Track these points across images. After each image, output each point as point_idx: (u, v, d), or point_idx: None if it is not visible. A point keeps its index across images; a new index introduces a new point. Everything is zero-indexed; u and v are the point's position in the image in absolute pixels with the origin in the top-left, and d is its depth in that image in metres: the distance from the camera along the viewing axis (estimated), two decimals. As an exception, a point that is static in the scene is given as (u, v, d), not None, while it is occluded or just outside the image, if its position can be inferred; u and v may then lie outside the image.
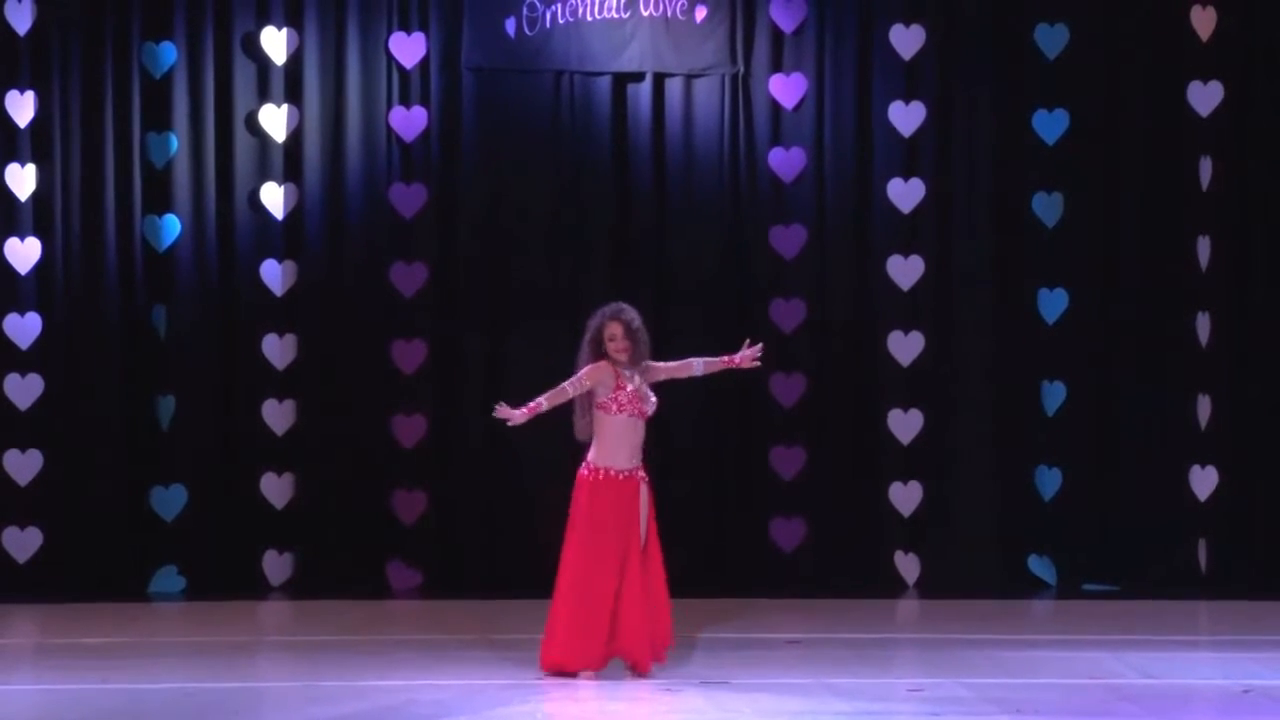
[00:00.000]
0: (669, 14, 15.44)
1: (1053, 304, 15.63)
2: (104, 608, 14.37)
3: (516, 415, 11.12)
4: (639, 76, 15.52)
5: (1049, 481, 15.61)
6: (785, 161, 15.63)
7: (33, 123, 15.16)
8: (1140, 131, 15.68)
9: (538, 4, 15.37)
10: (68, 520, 15.09)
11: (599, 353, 11.19)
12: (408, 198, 15.44)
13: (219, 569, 15.26)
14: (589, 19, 15.41)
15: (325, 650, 12.57)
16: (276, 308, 15.34)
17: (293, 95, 15.36)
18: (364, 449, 15.36)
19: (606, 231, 15.56)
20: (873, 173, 15.67)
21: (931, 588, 15.39)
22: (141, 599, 14.93)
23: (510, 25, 15.38)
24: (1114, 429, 15.62)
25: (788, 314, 15.59)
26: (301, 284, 15.37)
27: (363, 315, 15.41)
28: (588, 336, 11.26)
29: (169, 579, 15.20)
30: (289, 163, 15.37)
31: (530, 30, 15.39)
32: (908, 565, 15.58)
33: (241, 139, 15.39)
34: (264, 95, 15.38)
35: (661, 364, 11.40)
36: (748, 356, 11.44)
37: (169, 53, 15.28)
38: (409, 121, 15.44)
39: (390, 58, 15.44)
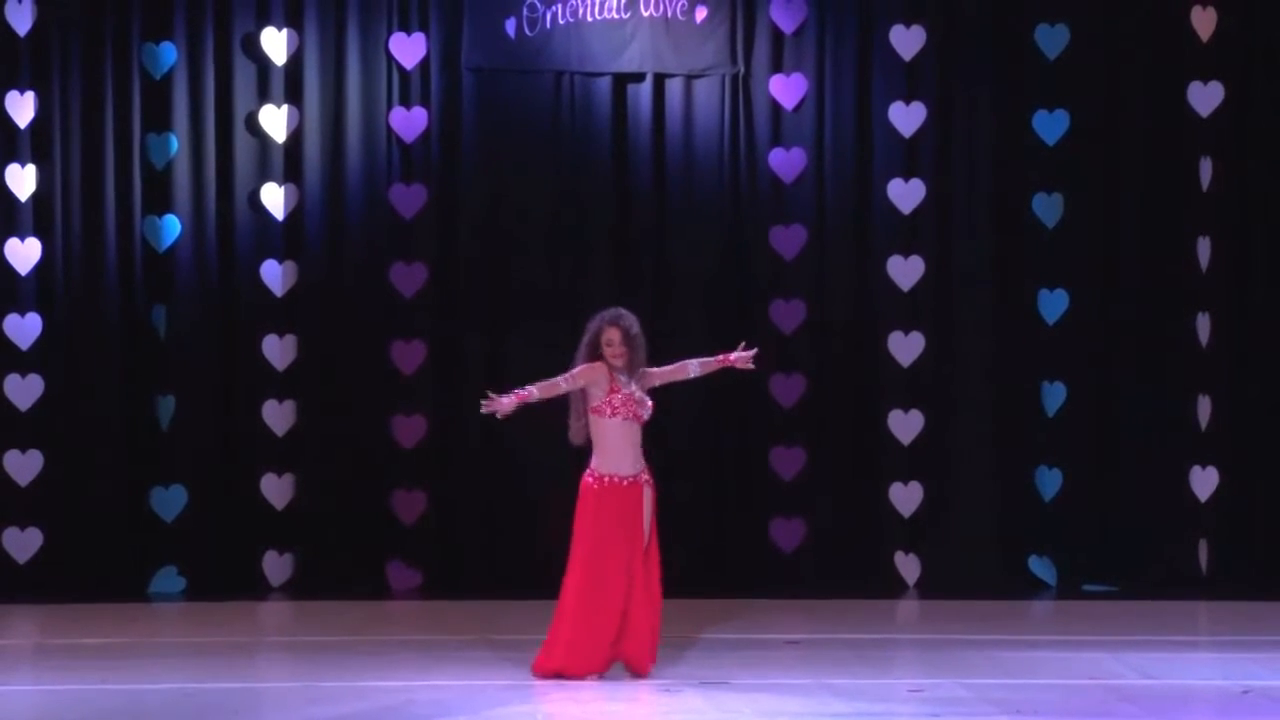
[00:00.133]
0: (669, 14, 15.44)
1: (1053, 304, 15.63)
2: (104, 608, 14.37)
3: (504, 403, 11.08)
4: (639, 77, 15.52)
5: (1049, 482, 15.61)
6: (785, 162, 15.63)
7: (33, 123, 15.16)
8: (1140, 132, 15.68)
9: (538, 4, 15.37)
10: (68, 521, 15.09)
11: (595, 357, 11.19)
12: (408, 198, 15.44)
13: (219, 569, 15.26)
14: (589, 19, 15.41)
15: (325, 651, 12.57)
16: (276, 308, 15.34)
17: (293, 96, 15.36)
18: (364, 449, 15.36)
19: (606, 232, 15.56)
20: (873, 173, 15.67)
21: (931, 588, 15.39)
22: (141, 599, 14.93)
23: (510, 26, 15.38)
24: (1114, 429, 15.62)
25: (788, 314, 15.59)
26: (301, 284, 15.37)
27: (363, 316, 15.41)
28: (585, 339, 11.24)
29: (169, 579, 15.20)
30: (289, 163, 15.37)
31: (530, 31, 15.39)
32: (908, 566, 15.58)
33: (241, 139, 15.39)
34: (264, 96, 15.38)
35: (657, 369, 11.38)
36: (743, 358, 11.44)
37: (169, 53, 15.28)
38: (409, 122, 15.44)
39: (390, 58, 15.44)
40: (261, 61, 15.37)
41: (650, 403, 11.24)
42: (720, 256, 15.62)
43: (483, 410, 11.17)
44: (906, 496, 15.57)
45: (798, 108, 15.65)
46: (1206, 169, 15.61)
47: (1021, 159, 15.65)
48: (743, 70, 15.57)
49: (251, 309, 15.35)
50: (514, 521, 15.33)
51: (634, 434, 11.16)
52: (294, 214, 15.37)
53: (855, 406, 15.65)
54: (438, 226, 15.47)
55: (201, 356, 15.31)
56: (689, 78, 15.57)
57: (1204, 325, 15.61)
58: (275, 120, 15.35)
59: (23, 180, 15.18)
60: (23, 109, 15.15)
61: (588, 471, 11.21)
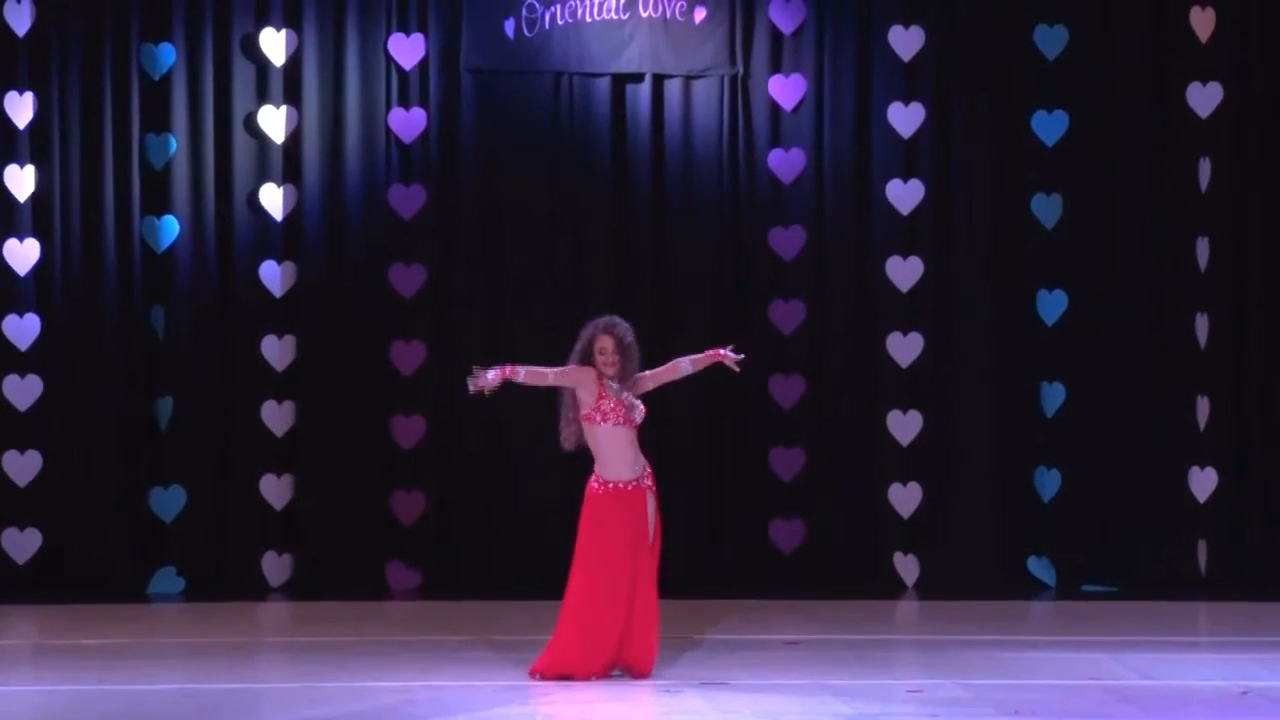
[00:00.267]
0: (668, 15, 15.45)
1: (1052, 305, 15.63)
2: (103, 609, 14.36)
3: (489, 377, 11.02)
4: (638, 78, 15.52)
5: (1048, 483, 15.61)
6: (784, 163, 15.63)
7: (32, 124, 15.16)
8: (1139, 133, 15.69)
9: (537, 5, 15.37)
10: (67, 521, 15.09)
11: (587, 364, 11.16)
12: (407, 199, 15.44)
13: (218, 570, 15.26)
14: (588, 20, 15.41)
15: (324, 651, 12.56)
16: (276, 309, 15.33)
17: (292, 96, 15.36)
18: (363, 450, 15.36)
19: (606, 233, 15.56)
20: (872, 174, 15.67)
21: (931, 589, 15.39)
22: (141, 600, 14.93)
23: (509, 26, 15.38)
24: (1113, 430, 15.61)
25: (787, 315, 15.59)
26: (301, 285, 15.37)
27: (362, 316, 15.41)
28: (578, 346, 11.19)
29: (168, 580, 15.20)
30: (288, 164, 15.37)
31: (529, 31, 15.39)
32: (907, 566, 15.58)
33: (240, 140, 15.39)
34: (263, 96, 15.38)
35: (649, 372, 11.34)
36: (731, 357, 11.40)
37: (168, 54, 15.28)
38: (408, 123, 15.44)
39: (389, 59, 15.44)
40: (260, 62, 15.37)
41: (642, 406, 11.19)
42: (719, 257, 15.62)
43: (470, 389, 11.10)
44: (906, 497, 15.57)
45: (797, 108, 15.65)
46: (1205, 170, 15.61)
47: (1020, 160, 15.66)
48: (742, 71, 15.57)
49: (250, 310, 15.35)
50: (513, 522, 15.33)
51: (628, 438, 11.13)
52: (293, 215, 15.37)
53: (854, 407, 15.66)
54: (437, 227, 15.47)
55: (201, 357, 15.31)
56: (688, 78, 15.57)
57: (1203, 326, 15.62)
58: (274, 121, 15.34)
59: (22, 181, 15.18)
60: (22, 110, 15.15)
61: (592, 477, 11.20)
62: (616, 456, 11.11)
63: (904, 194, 15.61)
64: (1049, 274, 15.66)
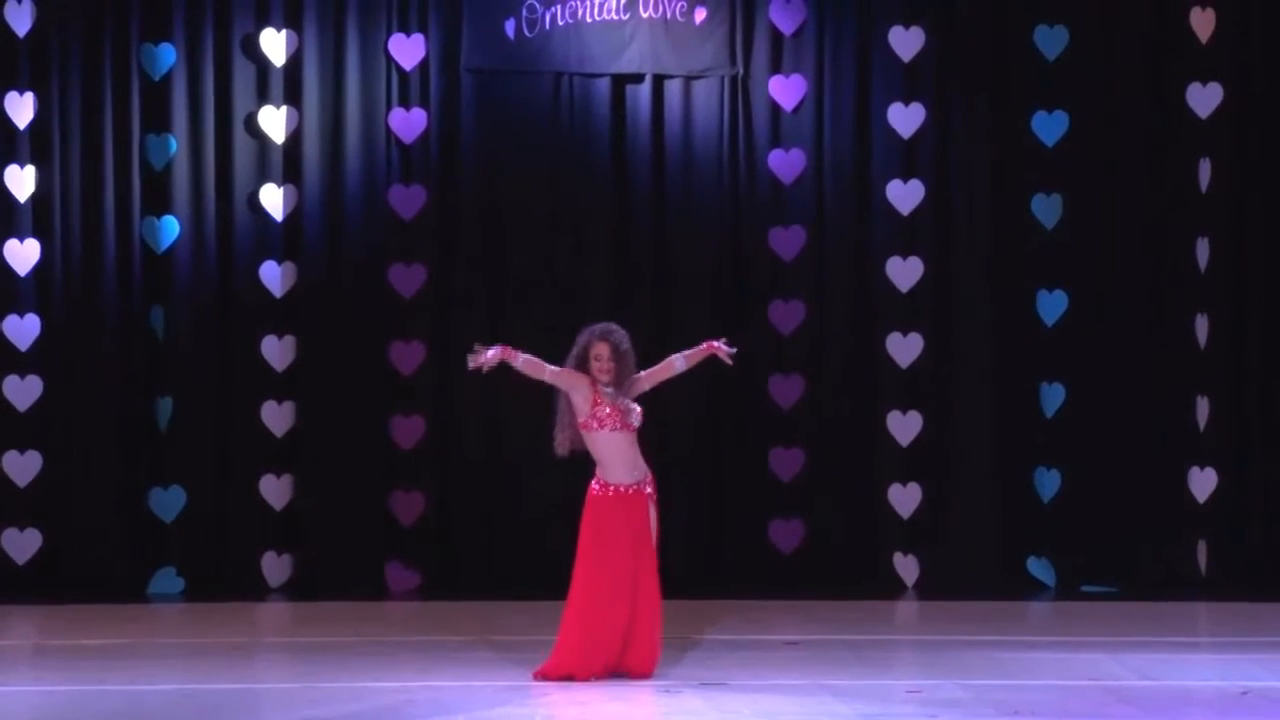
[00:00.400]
0: (668, 15, 15.45)
1: (1052, 305, 15.63)
2: (103, 609, 14.37)
3: (489, 355, 11.01)
4: (638, 78, 15.52)
5: (1048, 483, 15.62)
6: (784, 163, 15.63)
7: (32, 124, 15.16)
8: (1139, 133, 15.69)
9: (537, 5, 15.37)
10: (67, 521, 15.09)
11: (582, 370, 11.14)
12: (407, 199, 15.44)
13: (218, 570, 15.27)
14: (588, 20, 15.41)
15: (324, 651, 12.56)
16: (275, 309, 15.34)
17: (292, 97, 15.36)
18: (362, 450, 15.36)
19: (606, 233, 15.56)
20: (872, 174, 15.67)
21: (930, 589, 15.39)
22: (140, 600, 14.93)
23: (510, 27, 15.38)
24: (1113, 430, 15.61)
25: (787, 315, 15.59)
26: (300, 285, 15.37)
27: (362, 317, 15.41)
28: (574, 352, 11.15)
29: (168, 580, 15.20)
30: (288, 164, 15.37)
31: (530, 32, 15.39)
32: (907, 567, 15.58)
33: (241, 140, 15.39)
34: (263, 97, 15.38)
35: (645, 373, 11.30)
36: (724, 349, 11.39)
37: (168, 54, 15.28)
38: (408, 123, 15.44)
39: (390, 59, 15.44)
40: (261, 62, 15.37)
41: (639, 410, 11.15)
42: (719, 258, 15.62)
43: (470, 365, 11.08)
44: (905, 497, 15.57)
45: (797, 109, 15.65)
46: (1205, 170, 15.61)
47: (1020, 160, 15.66)
48: (742, 71, 15.57)
49: (250, 310, 15.35)
50: (512, 523, 15.33)
51: (627, 443, 11.10)
52: (293, 215, 15.37)
53: (854, 408, 15.66)
54: (437, 227, 15.47)
55: (200, 357, 15.31)
56: (688, 79, 15.57)
57: (1202, 326, 15.62)
58: (274, 121, 15.35)
59: (22, 181, 15.18)
60: (22, 110, 15.15)
61: (593, 479, 11.19)
62: (617, 461, 11.10)
63: (904, 194, 15.61)
64: (1049, 274, 15.66)
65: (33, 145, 15.17)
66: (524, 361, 11.09)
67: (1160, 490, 15.59)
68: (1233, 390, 15.64)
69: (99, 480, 15.11)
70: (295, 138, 15.38)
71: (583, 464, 11.33)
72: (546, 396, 11.35)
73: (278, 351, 15.31)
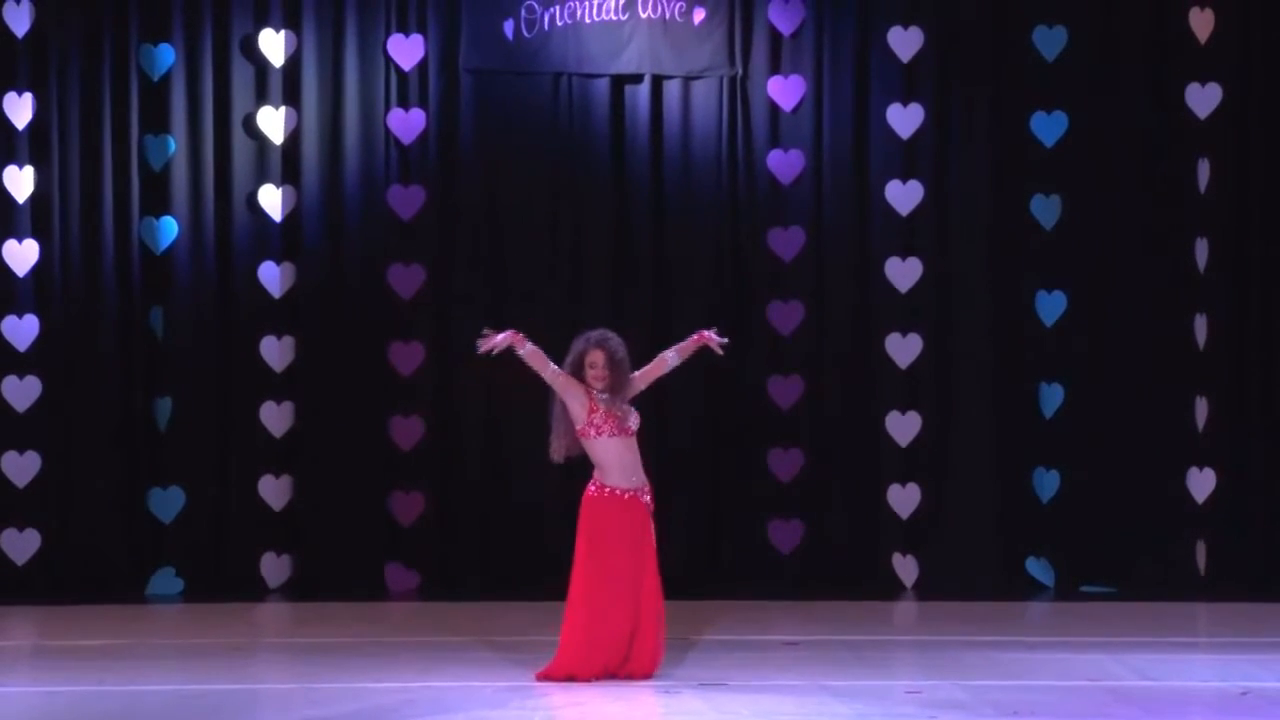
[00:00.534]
0: (667, 16, 15.45)
1: (1051, 306, 15.63)
2: (102, 610, 14.37)
3: (498, 339, 11.07)
4: (637, 78, 15.52)
5: (1047, 483, 15.62)
6: (783, 163, 15.63)
7: (31, 125, 15.15)
8: (1138, 133, 15.69)
9: (536, 6, 15.37)
10: (66, 522, 15.09)
11: (577, 377, 11.13)
12: (406, 199, 15.44)
13: (217, 571, 15.27)
14: (587, 21, 15.41)
15: (323, 652, 12.56)
16: (275, 309, 15.34)
17: (291, 97, 15.36)
18: (362, 451, 15.35)
19: (605, 233, 15.56)
20: (871, 175, 15.67)
21: (929, 590, 15.39)
22: (139, 601, 14.93)
23: (509, 27, 15.38)
24: (1112, 431, 15.61)
25: (786, 316, 15.59)
26: (300, 286, 15.37)
27: (361, 317, 15.41)
28: (569, 359, 11.15)
29: (167, 581, 15.20)
30: (287, 165, 15.37)
31: (528, 32, 15.39)
32: (906, 567, 15.58)
33: (239, 141, 15.39)
34: (262, 97, 15.38)
35: (639, 373, 11.27)
36: (715, 339, 11.38)
37: (167, 55, 15.28)
38: (407, 123, 15.44)
39: (388, 59, 15.44)
40: (259, 63, 15.37)
41: (635, 413, 11.13)
42: (718, 258, 15.62)
43: (479, 349, 11.11)
44: (904, 498, 15.57)
45: (796, 109, 15.65)
46: (1204, 170, 15.61)
47: (1019, 161, 15.66)
48: (741, 72, 15.57)
49: (249, 310, 15.35)
50: (512, 523, 15.33)
51: (625, 448, 11.08)
52: (292, 215, 15.37)
53: (853, 408, 15.65)
54: (436, 228, 15.47)
55: (199, 358, 15.31)
56: (687, 79, 15.57)
57: (1201, 326, 15.62)
58: (273, 122, 15.34)
59: (21, 182, 15.18)
60: (21, 110, 15.15)
61: (590, 482, 11.18)
62: (615, 465, 11.09)
63: (903, 195, 15.61)
64: (1048, 274, 15.66)
65: (31, 146, 15.17)
66: (530, 352, 11.12)
67: (1159, 491, 15.59)
68: (1232, 390, 15.64)
69: (98, 481, 15.11)
70: (294, 138, 15.37)
71: (582, 465, 11.33)
72: (545, 398, 11.34)
73: (277, 352, 15.31)
